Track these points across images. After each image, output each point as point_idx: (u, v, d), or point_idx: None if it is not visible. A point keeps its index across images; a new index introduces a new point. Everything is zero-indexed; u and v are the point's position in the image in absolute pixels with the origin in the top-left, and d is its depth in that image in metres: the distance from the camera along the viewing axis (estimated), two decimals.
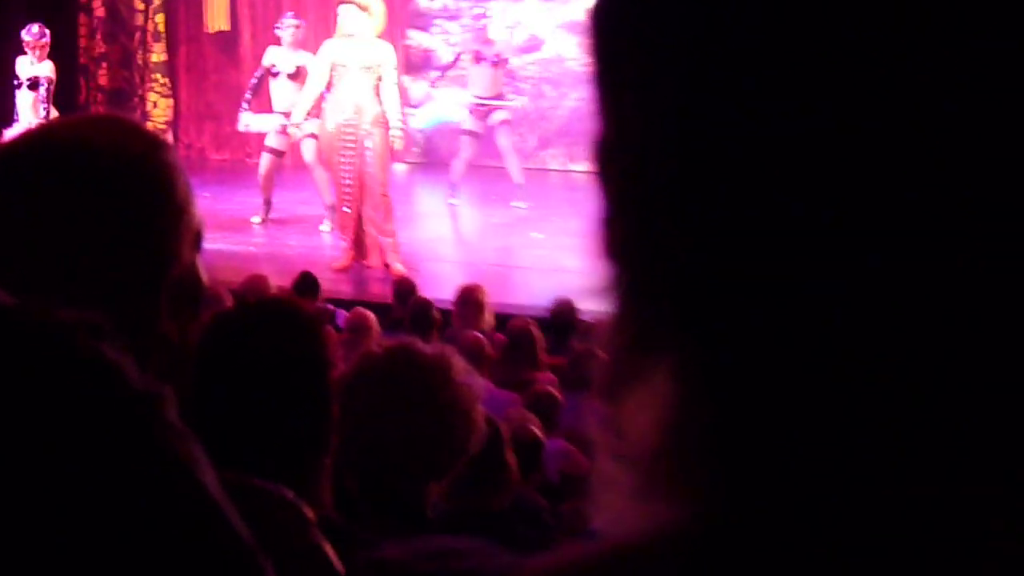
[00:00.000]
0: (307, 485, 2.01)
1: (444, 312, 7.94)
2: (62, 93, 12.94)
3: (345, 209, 11.15)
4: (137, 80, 17.16)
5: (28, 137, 1.51)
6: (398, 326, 7.92)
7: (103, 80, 17.05)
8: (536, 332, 7.11)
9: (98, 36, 16.99)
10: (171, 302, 1.46)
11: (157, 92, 17.18)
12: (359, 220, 11.13)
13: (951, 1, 0.51)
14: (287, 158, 13.41)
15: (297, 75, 12.54)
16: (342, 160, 11.01)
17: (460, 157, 13.71)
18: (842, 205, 0.52)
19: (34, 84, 12.37)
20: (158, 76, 17.17)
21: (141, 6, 17.00)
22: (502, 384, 6.46)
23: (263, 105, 13.03)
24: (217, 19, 17.04)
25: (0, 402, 0.92)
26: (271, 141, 12.87)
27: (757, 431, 0.56)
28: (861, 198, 0.51)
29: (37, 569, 0.90)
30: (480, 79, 13.44)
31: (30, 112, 12.26)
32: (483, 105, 13.38)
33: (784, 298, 0.53)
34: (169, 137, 15.96)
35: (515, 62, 13.82)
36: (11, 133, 9.94)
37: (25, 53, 12.60)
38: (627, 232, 0.60)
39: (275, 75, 12.76)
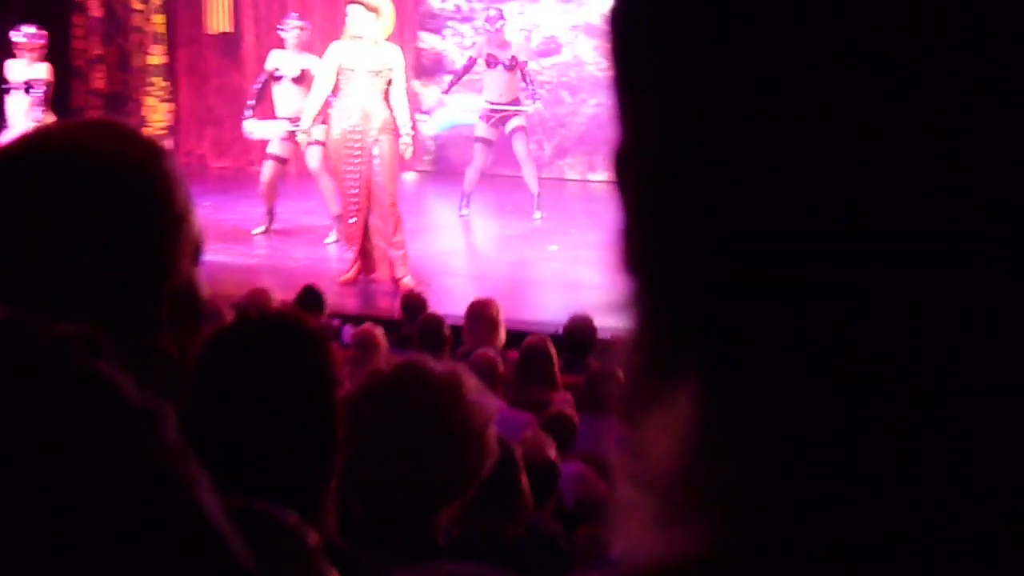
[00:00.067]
0: (311, 509, 2.02)
1: (455, 328, 7.94)
2: (55, 97, 12.99)
3: (351, 220, 11.16)
4: (134, 83, 17.22)
5: (20, 143, 1.51)
6: (407, 343, 7.92)
7: (99, 83, 17.11)
8: (552, 350, 7.10)
9: (94, 37, 17.04)
10: (169, 316, 1.46)
11: (155, 96, 17.23)
12: (366, 231, 11.14)
13: (969, 4, 0.53)
14: (291, 166, 13.44)
15: (302, 79, 12.57)
16: (348, 168, 11.02)
17: (473, 166, 13.72)
18: (860, 208, 0.53)
19: (27, 88, 12.41)
20: (157, 79, 17.23)
21: (139, 6, 17.05)
22: (516, 404, 6.45)
23: (267, 111, 13.06)
24: (219, 20, 17.09)
25: None
26: (274, 148, 12.90)
27: (782, 454, 0.57)
28: (879, 201, 0.53)
29: None
30: (494, 84, 13.44)
31: (22, 117, 12.30)
32: (497, 111, 13.39)
33: (801, 301, 0.54)
34: (168, 143, 16.00)
35: (532, 66, 13.81)
36: (2, 140, 9.99)
37: (14, 55, 12.64)
38: (646, 242, 0.61)
39: (278, 79, 12.79)
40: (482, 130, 13.56)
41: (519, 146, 13.47)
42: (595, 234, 11.55)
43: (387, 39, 11.04)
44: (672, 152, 0.58)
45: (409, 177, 16.06)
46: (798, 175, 0.54)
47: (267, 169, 12.98)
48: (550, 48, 16.24)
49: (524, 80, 13.47)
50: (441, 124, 14.81)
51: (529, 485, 3.71)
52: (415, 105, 14.74)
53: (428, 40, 16.91)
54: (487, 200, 14.13)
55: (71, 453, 0.93)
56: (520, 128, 13.45)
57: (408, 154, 11.46)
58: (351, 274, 11.27)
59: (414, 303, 8.87)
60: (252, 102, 13.07)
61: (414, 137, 11.55)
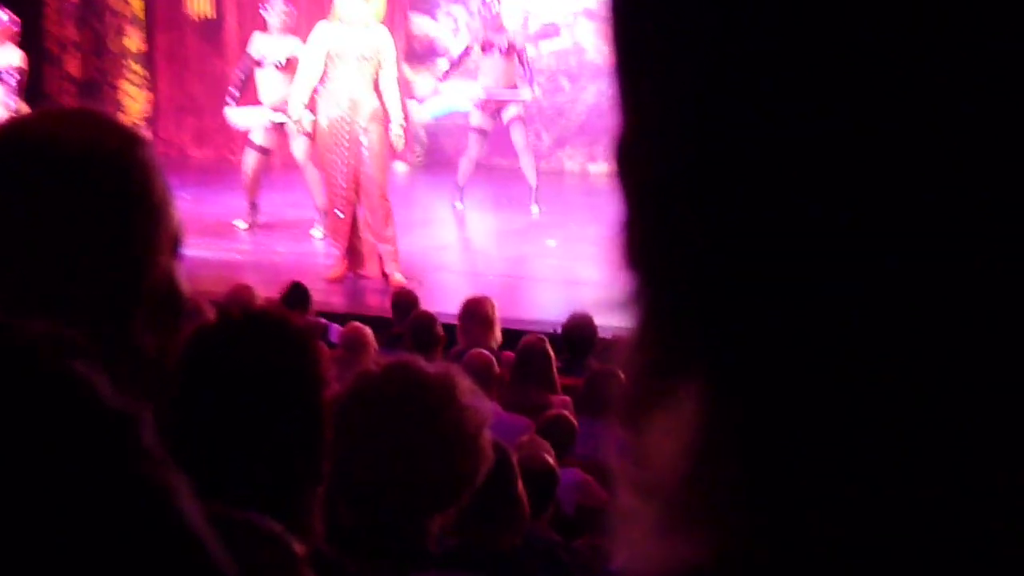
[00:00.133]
0: (297, 517, 2.02)
1: (448, 328, 7.95)
2: (27, 84, 12.97)
3: (338, 213, 11.14)
4: (111, 69, 17.22)
5: None
6: (397, 342, 7.92)
7: (73, 69, 17.11)
8: (550, 350, 7.11)
9: (67, 20, 17.03)
10: (147, 314, 1.46)
11: (133, 83, 17.24)
12: (354, 225, 11.14)
13: (969, 2, 0.54)
14: (275, 156, 13.43)
15: (286, 64, 12.56)
16: (335, 159, 11.00)
17: (467, 156, 13.72)
18: (860, 206, 0.55)
19: None
20: (134, 65, 17.23)
21: None
22: (512, 407, 6.46)
23: (250, 99, 13.05)
24: (200, 3, 17.10)
25: None
26: (257, 137, 12.89)
27: (786, 456, 0.57)
28: (879, 199, 0.55)
29: None
30: (491, 70, 13.43)
31: None
32: (494, 99, 13.38)
33: (801, 299, 0.56)
34: (146, 132, 15.98)
35: (529, 52, 13.80)
36: None
37: None
38: (648, 237, 0.62)
39: (262, 65, 12.78)
40: (477, 119, 13.55)
41: (517, 136, 13.47)
42: (595, 228, 11.55)
43: (378, 22, 11.02)
44: (672, 146, 0.59)
45: (400, 168, 16.06)
46: (798, 173, 0.56)
47: (250, 160, 12.97)
48: (548, 33, 16.23)
49: (522, 65, 13.46)
50: (438, 110, 14.71)
51: (526, 492, 3.71)
52: (406, 92, 14.73)
53: (420, 23, 16.91)
54: (482, 193, 14.13)
55: (45, 458, 0.93)
56: (518, 117, 13.45)
57: (400, 144, 11.45)
58: (338, 270, 11.27)
59: (405, 301, 8.87)
60: (235, 90, 13.06)
61: (405, 127, 11.55)
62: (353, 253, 11.23)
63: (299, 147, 12.48)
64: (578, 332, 7.79)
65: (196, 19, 17.15)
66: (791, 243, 0.56)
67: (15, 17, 12.72)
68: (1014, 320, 0.54)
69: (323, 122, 11.08)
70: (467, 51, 13.69)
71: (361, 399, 2.62)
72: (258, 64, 12.79)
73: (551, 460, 4.88)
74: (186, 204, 12.59)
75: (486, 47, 13.41)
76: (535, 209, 13.60)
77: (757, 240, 0.57)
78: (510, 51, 13.38)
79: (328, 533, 2.26)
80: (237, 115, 12.97)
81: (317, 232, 12.59)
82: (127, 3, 17.12)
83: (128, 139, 1.52)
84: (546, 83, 13.92)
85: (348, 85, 10.90)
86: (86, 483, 0.94)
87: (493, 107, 13.44)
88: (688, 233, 0.59)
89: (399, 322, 8.46)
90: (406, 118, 11.73)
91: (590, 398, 6.40)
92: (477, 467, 2.65)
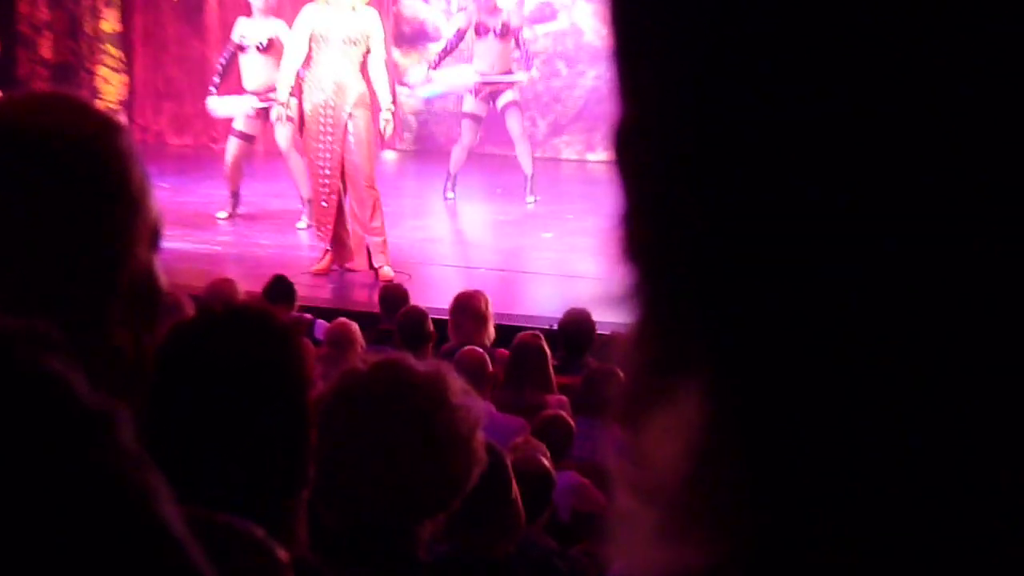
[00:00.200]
0: (280, 522, 2.02)
1: (439, 323, 7.95)
2: None
3: (323, 203, 11.13)
4: (85, 52, 17.20)
5: None
6: (386, 339, 7.92)
7: (46, 52, 17.09)
8: (546, 347, 7.11)
9: (40, 1, 17.01)
10: (124, 309, 1.46)
11: (109, 66, 17.22)
12: (340, 216, 11.12)
13: None
14: (258, 144, 13.42)
15: (269, 47, 12.56)
16: (320, 146, 10.98)
17: (460, 144, 13.72)
18: (858, 189, 0.56)
19: None
20: (110, 48, 17.21)
21: None
22: (506, 408, 6.46)
23: (232, 86, 13.04)
24: None
25: None
26: (240, 124, 12.89)
27: (790, 452, 0.58)
28: (877, 182, 0.56)
29: None
30: (485, 54, 13.42)
31: None
32: (488, 83, 13.37)
33: (799, 283, 0.58)
34: (122, 118, 15.97)
35: (525, 34, 13.78)
36: None
37: None
38: (648, 228, 0.62)
39: (244, 49, 12.77)
40: (470, 105, 13.54)
41: (513, 123, 13.47)
42: (594, 220, 11.56)
43: (365, 3, 11.01)
44: (671, 130, 0.61)
45: (389, 157, 16.06)
46: (796, 156, 0.57)
47: (232, 147, 12.97)
48: (545, 14, 16.23)
49: (518, 46, 13.44)
50: (434, 90, 14.52)
51: (520, 497, 3.72)
52: (395, 77, 14.71)
53: (410, 5, 16.90)
54: (475, 182, 14.14)
55: (17, 458, 0.94)
56: (513, 103, 13.45)
57: (388, 131, 11.44)
58: (324, 263, 11.26)
59: (394, 295, 8.87)
60: (217, 77, 13.05)
61: (394, 111, 11.54)
62: (339, 245, 11.22)
63: (282, 134, 12.48)
64: (575, 328, 7.79)
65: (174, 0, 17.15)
66: (789, 226, 0.57)
67: None
68: (1013, 302, 0.56)
69: (307, 108, 11.06)
70: (459, 35, 13.63)
71: (347, 398, 2.62)
72: (241, 49, 12.79)
73: (547, 463, 4.88)
74: (165, 194, 12.60)
75: (480, 30, 13.40)
76: (530, 199, 13.60)
77: (755, 223, 0.58)
78: (505, 33, 13.36)
79: (312, 539, 2.26)
80: (219, 104, 12.97)
81: (302, 223, 12.59)
82: None
83: (105, 125, 1.52)
84: (542, 67, 13.91)
85: (333, 69, 10.87)
86: (61, 484, 0.94)
87: (487, 92, 13.43)
88: (687, 217, 0.60)
89: (387, 318, 8.46)
90: (395, 103, 11.71)
91: (588, 398, 6.41)
92: (469, 470, 2.65)
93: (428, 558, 2.68)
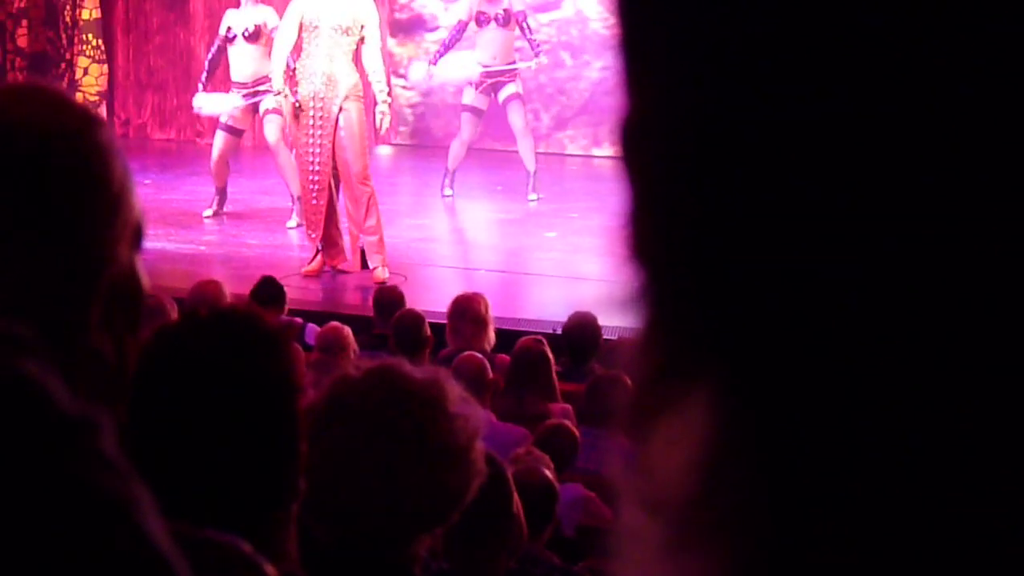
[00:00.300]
0: (268, 536, 2.02)
1: (437, 328, 7.95)
2: None
3: (313, 201, 11.12)
4: (64, 41, 17.20)
5: None
6: (380, 344, 7.92)
7: (22, 41, 17.09)
8: (549, 353, 7.11)
9: None
10: (105, 312, 1.47)
11: (88, 56, 17.21)
12: (331, 214, 11.11)
13: None
14: (246, 138, 13.42)
15: (256, 36, 12.57)
16: (309, 140, 10.97)
17: (459, 138, 13.71)
18: (858, 189, 0.58)
19: None
20: (90, 37, 17.20)
21: None
22: (507, 416, 6.46)
23: (221, 80, 13.04)
24: None
25: None
26: (227, 117, 12.89)
27: (802, 459, 0.59)
28: (877, 182, 0.58)
29: None
30: (487, 44, 13.39)
31: None
32: (493, 75, 13.35)
33: (799, 283, 0.59)
34: (102, 111, 15.99)
35: (529, 23, 13.75)
36: None
37: None
38: (655, 227, 0.63)
39: (232, 40, 12.78)
40: (471, 97, 13.53)
41: (515, 117, 13.46)
42: (599, 218, 11.57)
43: None
44: (674, 127, 0.62)
45: (384, 152, 16.06)
46: (796, 156, 0.59)
47: (219, 141, 12.97)
48: (548, 2, 16.23)
49: (523, 33, 13.42)
50: (444, 74, 14.05)
51: (522, 510, 3.72)
52: (391, 68, 14.71)
53: None
54: (475, 179, 14.13)
55: None
56: (516, 96, 13.43)
57: (385, 125, 11.44)
58: (315, 264, 11.26)
59: (389, 299, 8.88)
60: (204, 75, 13.06)
61: (390, 103, 11.53)
62: (330, 245, 11.22)
63: (271, 129, 12.48)
64: (580, 333, 7.79)
65: None
66: (789, 226, 0.59)
67: None
68: (1013, 302, 0.57)
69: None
70: (460, 28, 13.56)
71: (340, 407, 2.62)
72: (229, 41, 12.79)
73: (550, 474, 4.88)
74: (147, 191, 12.60)
75: (480, 20, 13.38)
76: (533, 197, 13.60)
77: (755, 222, 0.59)
78: (507, 21, 13.35)
79: (303, 555, 2.26)
80: (205, 101, 12.97)
81: (292, 222, 12.59)
82: None
83: (85, 119, 1.52)
84: (535, 67, 13.86)
85: (322, 59, 10.85)
86: (38, 496, 0.94)
87: (488, 85, 13.42)
88: (687, 216, 0.61)
89: (382, 322, 8.46)
90: (391, 95, 11.71)
91: (593, 406, 6.41)
92: (468, 482, 2.65)
93: (424, 575, 2.68)
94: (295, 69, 11.08)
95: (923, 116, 0.57)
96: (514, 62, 13.48)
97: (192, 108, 13.42)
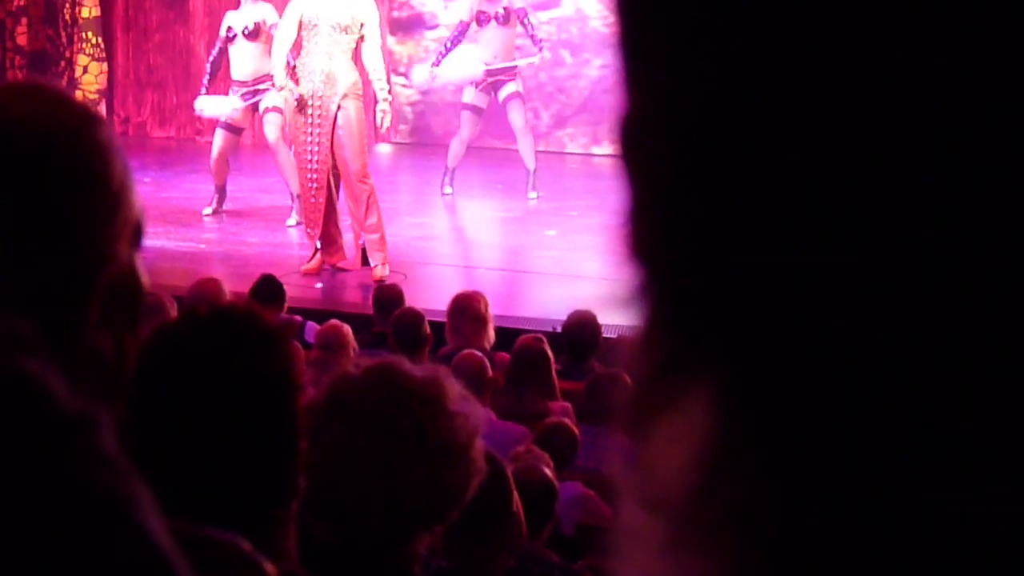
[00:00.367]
0: (268, 535, 2.02)
1: (436, 326, 7.95)
2: None
3: (312, 199, 11.11)
4: (64, 40, 17.19)
5: None
6: (380, 342, 7.92)
7: (22, 39, 17.08)
8: (548, 352, 7.11)
9: None
10: (105, 310, 1.47)
11: (88, 54, 17.21)
12: (330, 212, 11.10)
13: None
14: (246, 136, 13.42)
15: (256, 33, 12.57)
16: (308, 139, 10.96)
17: (459, 137, 13.70)
18: (858, 189, 0.58)
19: None
20: (89, 35, 17.20)
21: None
22: (506, 415, 6.47)
23: (222, 81, 13.04)
24: None
25: None
26: (227, 116, 12.89)
27: (802, 460, 0.59)
28: (877, 182, 0.58)
29: None
30: (489, 43, 13.38)
31: None
32: (495, 72, 13.33)
33: (799, 283, 0.59)
34: (102, 109, 15.98)
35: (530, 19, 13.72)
36: None
37: None
38: (655, 225, 0.63)
39: (232, 39, 12.78)
40: (470, 96, 13.52)
41: (515, 116, 13.45)
42: (599, 217, 11.57)
43: None
44: (674, 127, 0.62)
45: (383, 150, 16.06)
46: (796, 156, 0.59)
47: (218, 139, 12.97)
48: (548, 0, 16.21)
49: (525, 29, 13.41)
50: (447, 75, 13.88)
51: (522, 508, 3.72)
52: (391, 66, 14.69)
53: None
54: (474, 177, 14.13)
55: None
56: (516, 95, 13.43)
57: (386, 123, 11.44)
58: (315, 262, 11.26)
59: (388, 297, 8.88)
60: (206, 77, 13.06)
61: (391, 100, 11.52)
62: (329, 243, 11.21)
63: (271, 127, 12.48)
64: (580, 331, 7.79)
65: None
66: (789, 225, 0.59)
67: None
68: (1013, 302, 0.57)
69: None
70: (462, 29, 13.52)
71: (339, 405, 2.62)
72: (230, 41, 12.79)
73: (550, 473, 4.88)
74: (147, 189, 12.60)
75: (480, 19, 13.37)
76: (533, 195, 13.60)
77: (755, 222, 0.59)
78: (507, 19, 13.34)
79: (302, 553, 2.26)
80: (207, 103, 12.97)
81: (291, 220, 12.59)
82: None
83: (85, 117, 1.52)
84: (539, 61, 13.85)
85: (322, 57, 10.84)
86: (39, 494, 0.94)
87: (488, 83, 13.42)
88: (688, 215, 0.61)
89: (382, 320, 8.46)
90: (391, 93, 11.70)
91: (593, 404, 6.41)
92: (468, 481, 2.65)
93: (424, 573, 2.68)
94: (295, 67, 11.08)
95: (923, 116, 0.57)
96: (514, 60, 13.47)
97: (194, 109, 13.41)
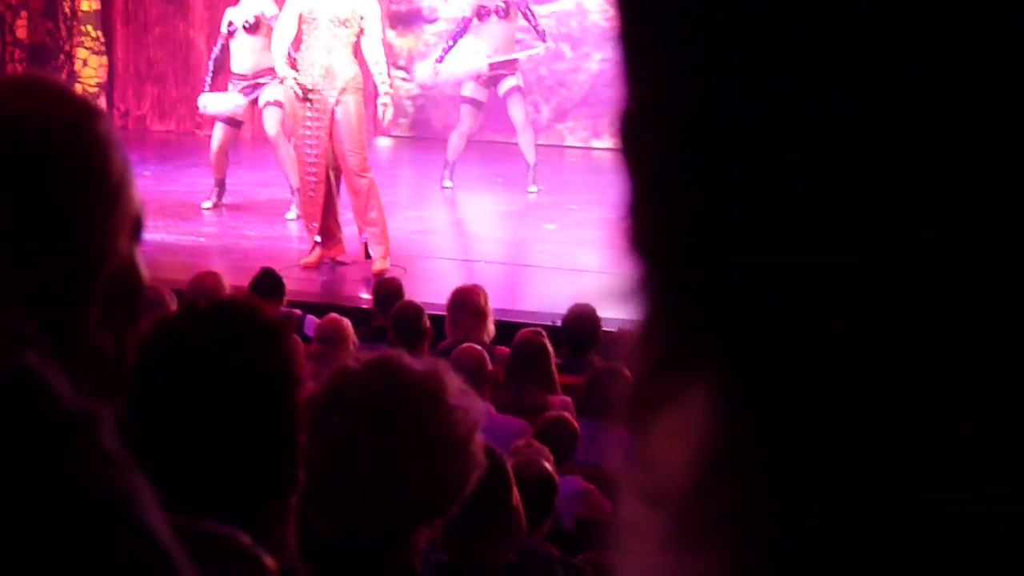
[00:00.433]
0: (268, 528, 2.02)
1: (436, 320, 7.95)
2: None
3: (310, 193, 11.10)
4: (63, 33, 17.18)
5: None
6: (379, 336, 7.93)
7: (22, 33, 17.07)
8: (548, 345, 7.11)
9: None
10: (104, 304, 1.47)
11: (88, 48, 17.20)
12: (328, 206, 11.09)
13: None
14: (246, 130, 13.41)
15: (256, 27, 12.56)
16: (307, 132, 10.95)
17: (458, 130, 13.70)
18: (858, 188, 0.58)
19: None
20: (89, 28, 17.19)
21: None
22: (506, 408, 6.47)
23: (222, 80, 13.03)
24: None
25: None
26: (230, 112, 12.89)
27: (802, 456, 0.59)
28: (877, 181, 0.58)
29: None
30: (490, 38, 13.38)
31: None
32: (497, 65, 13.32)
33: (798, 282, 0.59)
34: (101, 103, 15.98)
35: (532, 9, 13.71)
36: None
37: None
38: (655, 219, 0.63)
39: (232, 33, 12.78)
40: (470, 89, 13.52)
41: (516, 110, 13.45)
42: (599, 211, 11.57)
43: None
44: (674, 124, 0.62)
45: (383, 143, 16.05)
46: (796, 156, 0.59)
47: (218, 133, 12.97)
48: None
49: (528, 19, 13.40)
50: (450, 70, 13.87)
51: (522, 502, 3.72)
52: (390, 60, 14.68)
53: None
54: (474, 171, 14.12)
55: None
56: (516, 89, 13.42)
57: (388, 117, 11.42)
58: (314, 256, 11.25)
59: (388, 290, 8.87)
60: (209, 75, 13.05)
61: (392, 94, 11.51)
62: (328, 237, 11.20)
63: (271, 121, 12.48)
64: (579, 325, 7.79)
65: None
66: (789, 224, 0.59)
67: None
68: (1013, 302, 0.57)
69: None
70: (465, 26, 13.52)
71: (339, 398, 2.62)
72: (231, 36, 12.78)
73: (549, 467, 4.89)
74: (146, 182, 12.59)
75: (481, 14, 13.36)
76: (533, 189, 13.60)
77: (755, 221, 0.59)
78: (507, 12, 13.34)
79: (302, 547, 2.26)
80: (209, 101, 12.96)
81: (291, 214, 12.58)
82: None
83: (84, 111, 1.52)
84: (543, 52, 13.86)
85: (321, 51, 10.84)
86: (40, 489, 0.94)
87: (488, 77, 13.41)
88: (688, 211, 0.61)
89: (381, 314, 8.46)
90: (392, 86, 11.69)
91: (593, 398, 6.41)
92: (467, 474, 2.65)
93: (424, 567, 2.68)
94: (295, 60, 11.07)
95: (923, 115, 0.57)
96: (515, 53, 13.47)
97: (193, 103, 13.40)
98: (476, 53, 13.43)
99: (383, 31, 11.79)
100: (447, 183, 13.88)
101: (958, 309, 0.57)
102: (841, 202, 0.58)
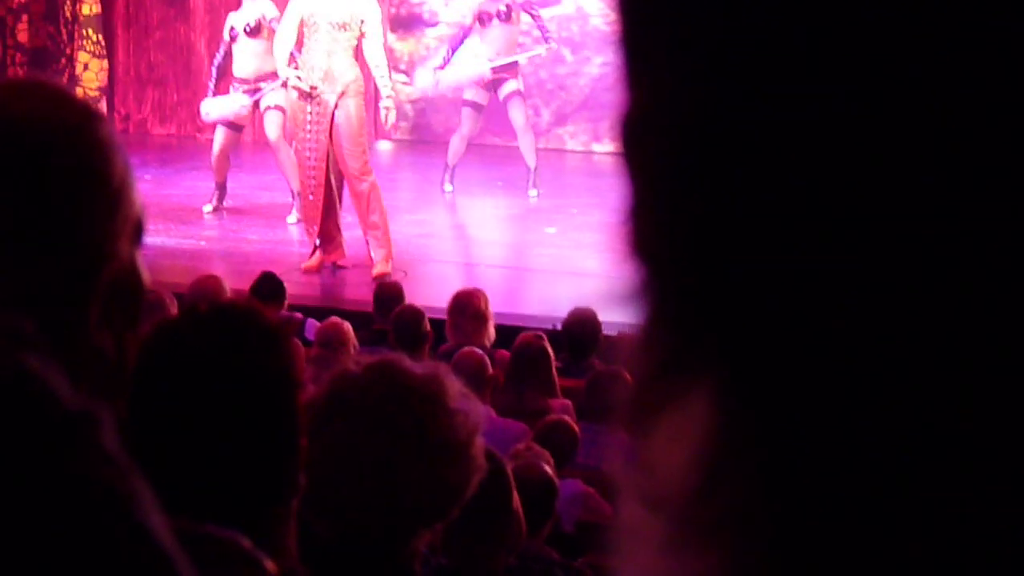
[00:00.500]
0: (268, 532, 2.02)
1: (436, 323, 7.95)
2: None
3: (310, 196, 11.10)
4: (64, 37, 17.19)
5: None
6: (380, 339, 7.92)
7: (23, 36, 17.08)
8: (548, 349, 7.11)
9: None
10: (105, 307, 1.47)
11: (89, 51, 17.20)
12: (329, 210, 11.09)
13: None
14: (247, 133, 13.40)
15: (257, 30, 12.56)
16: (307, 136, 10.95)
17: (459, 134, 13.70)
18: (858, 189, 0.58)
19: None
20: (90, 32, 17.19)
21: None
22: (507, 412, 6.47)
23: (224, 84, 13.03)
24: None
25: None
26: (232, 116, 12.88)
27: (803, 459, 0.59)
28: (877, 182, 0.58)
29: None
30: (492, 42, 13.37)
31: None
32: (499, 68, 13.32)
33: (799, 283, 0.59)
34: (102, 107, 15.98)
35: (526, 19, 13.72)
36: None
37: None
38: (656, 223, 0.63)
39: (234, 38, 12.78)
40: (471, 93, 13.51)
41: (516, 114, 13.45)
42: (600, 214, 11.57)
43: None
44: (674, 126, 0.62)
45: (384, 147, 16.05)
46: (796, 156, 0.59)
47: (219, 137, 12.96)
48: None
49: (534, 19, 13.41)
50: (452, 76, 13.85)
51: (522, 506, 3.72)
52: (391, 63, 14.68)
53: None
54: (475, 174, 14.12)
55: None
56: (517, 93, 13.42)
57: (390, 120, 11.43)
58: (315, 260, 11.25)
59: (388, 294, 8.88)
60: (212, 82, 13.04)
61: (394, 97, 11.51)
62: (328, 241, 11.20)
63: (272, 125, 12.48)
64: (580, 329, 7.79)
65: None
66: (790, 225, 0.59)
67: None
68: (1013, 302, 0.57)
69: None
70: (467, 32, 13.52)
71: (339, 402, 2.62)
72: (233, 40, 12.78)
73: (550, 470, 4.88)
74: (147, 186, 12.60)
75: (483, 19, 13.36)
76: (533, 193, 13.59)
77: (756, 222, 0.59)
78: (510, 16, 13.34)
79: (303, 551, 2.26)
80: (212, 106, 12.95)
81: (292, 218, 12.59)
82: None
83: (85, 115, 1.52)
84: (545, 53, 13.87)
85: (321, 55, 10.84)
86: (40, 491, 0.94)
87: (489, 80, 13.41)
88: (688, 214, 0.61)
89: (382, 317, 8.47)
90: (393, 89, 11.69)
91: (593, 402, 6.41)
92: (468, 478, 2.65)
93: (424, 571, 2.68)
94: (298, 64, 11.07)
95: (924, 116, 0.57)
96: (517, 61, 13.46)
97: (195, 106, 13.39)
98: (478, 57, 13.43)
99: (384, 35, 11.79)
100: (448, 186, 13.88)
101: (958, 309, 0.57)
102: (841, 203, 0.58)
